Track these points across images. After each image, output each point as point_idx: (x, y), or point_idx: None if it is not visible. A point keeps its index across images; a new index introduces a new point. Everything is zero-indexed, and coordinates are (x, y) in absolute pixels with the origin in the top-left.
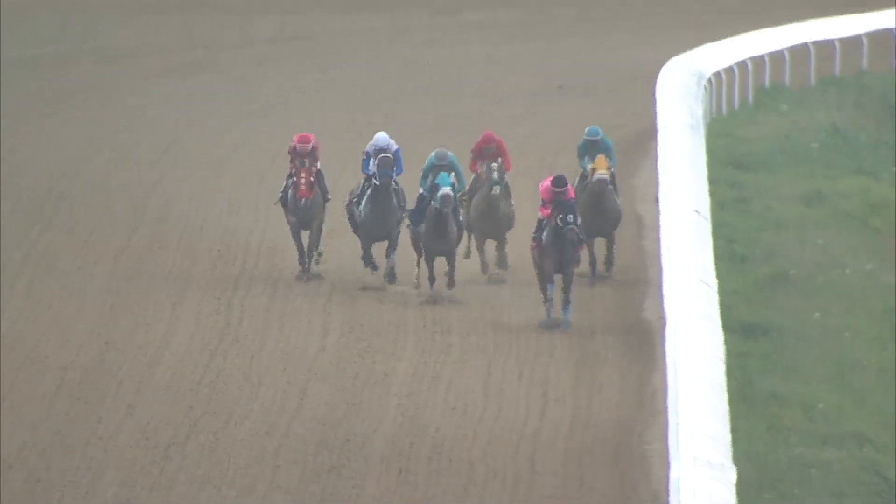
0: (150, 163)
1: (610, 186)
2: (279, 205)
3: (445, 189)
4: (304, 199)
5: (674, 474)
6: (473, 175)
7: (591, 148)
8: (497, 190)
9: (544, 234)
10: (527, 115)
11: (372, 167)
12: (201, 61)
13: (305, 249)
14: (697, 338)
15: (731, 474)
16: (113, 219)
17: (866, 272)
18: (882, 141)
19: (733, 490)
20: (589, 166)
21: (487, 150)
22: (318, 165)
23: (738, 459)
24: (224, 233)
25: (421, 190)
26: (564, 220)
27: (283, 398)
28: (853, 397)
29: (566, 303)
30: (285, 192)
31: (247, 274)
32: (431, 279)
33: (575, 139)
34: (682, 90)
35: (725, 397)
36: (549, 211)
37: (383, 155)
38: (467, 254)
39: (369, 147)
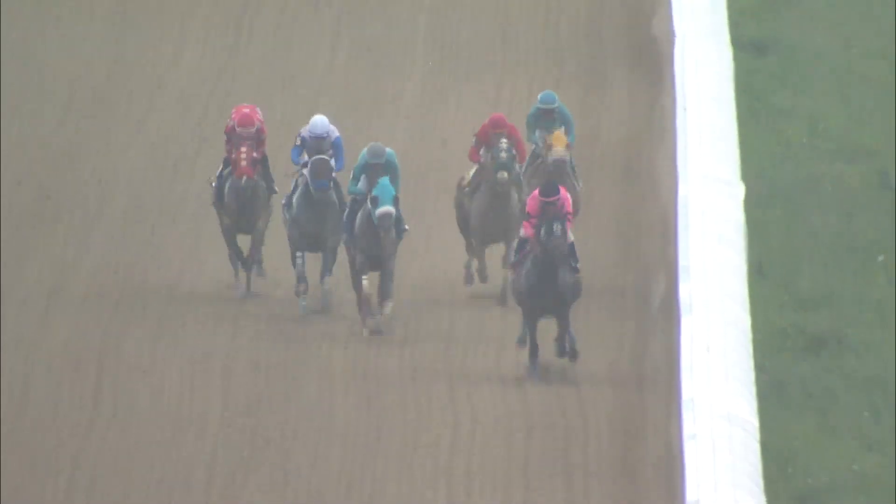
0: None
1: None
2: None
3: (386, 209)
4: (244, 179)
5: (682, 191)
6: (475, 165)
7: (544, 118)
8: (504, 175)
9: (527, 264)
10: None
11: (303, 160)
12: None
13: (244, 261)
14: (706, 55)
15: (739, 190)
16: None
17: None
18: None
19: (741, 206)
20: (543, 140)
21: (496, 138)
22: (264, 151)
23: (746, 176)
24: None
25: (351, 196)
26: (550, 231)
27: (291, 114)
28: (862, 113)
29: (569, 339)
30: (220, 183)
31: None
32: (360, 303)
33: None
34: None
35: (734, 114)
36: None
37: (318, 157)
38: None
39: (304, 132)
